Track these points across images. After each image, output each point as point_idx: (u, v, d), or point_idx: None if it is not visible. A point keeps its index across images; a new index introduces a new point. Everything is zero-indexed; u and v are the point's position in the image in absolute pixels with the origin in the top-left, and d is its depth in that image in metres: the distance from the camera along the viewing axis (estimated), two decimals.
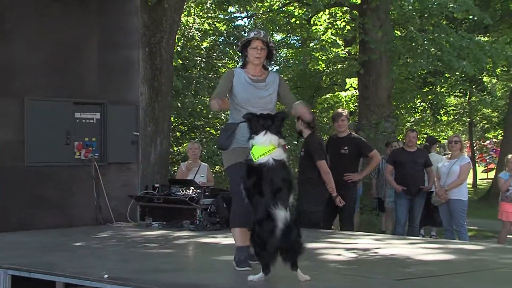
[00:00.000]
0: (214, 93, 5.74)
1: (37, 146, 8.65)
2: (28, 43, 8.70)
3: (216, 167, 17.57)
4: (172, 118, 16.12)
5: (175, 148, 19.01)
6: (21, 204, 8.51)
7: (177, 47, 17.94)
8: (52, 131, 8.79)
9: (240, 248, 5.48)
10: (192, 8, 20.06)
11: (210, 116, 18.72)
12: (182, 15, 17.29)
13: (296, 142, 17.57)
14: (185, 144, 18.03)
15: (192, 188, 8.88)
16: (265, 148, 4.95)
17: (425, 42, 16.35)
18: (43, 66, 8.81)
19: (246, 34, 5.78)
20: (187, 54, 19.21)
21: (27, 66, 8.68)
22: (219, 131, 18.82)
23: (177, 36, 15.77)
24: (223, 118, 18.83)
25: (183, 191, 8.88)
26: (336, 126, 9.18)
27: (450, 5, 15.52)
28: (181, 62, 18.84)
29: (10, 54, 8.60)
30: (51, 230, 8.36)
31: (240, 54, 5.89)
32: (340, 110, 9.77)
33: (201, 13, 20.32)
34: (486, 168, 35.54)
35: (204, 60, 19.86)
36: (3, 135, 8.51)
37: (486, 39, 22.44)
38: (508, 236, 11.25)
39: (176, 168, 15.08)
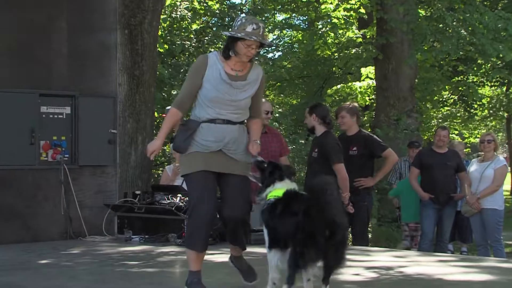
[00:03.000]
0: (177, 97, 5.65)
1: None
2: None
3: None
4: (156, 113, 16.11)
5: None
6: None
7: (162, 30, 17.94)
8: (14, 129, 8.79)
9: (194, 272, 5.51)
10: None
11: None
12: None
13: (303, 141, 17.64)
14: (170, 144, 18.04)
15: (179, 195, 8.87)
16: (287, 186, 5.30)
17: (454, 23, 16.32)
18: (3, 52, 8.80)
19: (240, 20, 5.45)
20: (174, 38, 19.21)
21: None
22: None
23: (162, 16, 15.77)
24: None
25: (168, 199, 8.87)
26: (338, 123, 9.12)
27: None
28: (167, 47, 18.84)
29: None
30: (13, 245, 8.35)
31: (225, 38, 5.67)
32: (344, 104, 9.66)
33: None
34: None
35: (193, 44, 19.86)
36: None
37: None
38: None
39: (160, 172, 15.06)
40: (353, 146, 8.91)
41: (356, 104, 9.92)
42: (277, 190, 5.27)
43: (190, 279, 5.48)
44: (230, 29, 5.69)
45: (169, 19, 18.85)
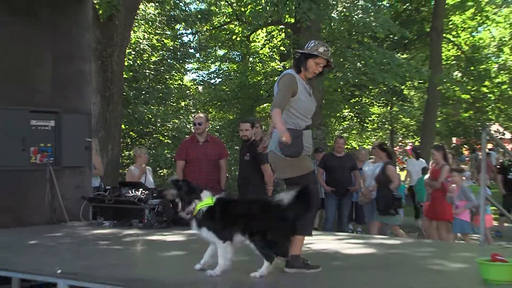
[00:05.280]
0: (279, 101, 5.03)
1: None
2: None
3: (164, 170, 17.47)
4: (123, 126, 15.93)
5: (126, 153, 18.80)
6: None
7: (128, 61, 17.79)
8: (9, 137, 8.59)
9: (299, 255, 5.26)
10: (142, 25, 19.98)
11: (158, 124, 18.66)
12: (133, 31, 17.15)
13: (238, 148, 17.67)
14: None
15: (141, 189, 8.80)
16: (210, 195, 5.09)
17: (350, 57, 16.59)
18: (1, 77, 8.60)
19: (313, 43, 5.25)
20: (137, 68, 19.09)
21: None
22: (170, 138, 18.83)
23: (127, 50, 15.62)
24: (170, 125, 18.73)
25: (132, 193, 8.79)
26: (242, 135, 8.53)
27: (374, 24, 15.77)
28: (131, 74, 18.67)
29: None
30: (6, 229, 8.14)
31: (295, 57, 5.31)
32: (247, 118, 9.04)
33: (149, 30, 20.25)
34: (403, 168, 36.13)
35: (152, 73, 19.76)
36: None
37: (405, 56, 22.95)
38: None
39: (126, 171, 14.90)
40: (246, 152, 8.48)
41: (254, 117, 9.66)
42: (206, 200, 5.00)
43: (299, 261, 5.19)
44: (302, 49, 5.33)
45: (133, 52, 18.73)
